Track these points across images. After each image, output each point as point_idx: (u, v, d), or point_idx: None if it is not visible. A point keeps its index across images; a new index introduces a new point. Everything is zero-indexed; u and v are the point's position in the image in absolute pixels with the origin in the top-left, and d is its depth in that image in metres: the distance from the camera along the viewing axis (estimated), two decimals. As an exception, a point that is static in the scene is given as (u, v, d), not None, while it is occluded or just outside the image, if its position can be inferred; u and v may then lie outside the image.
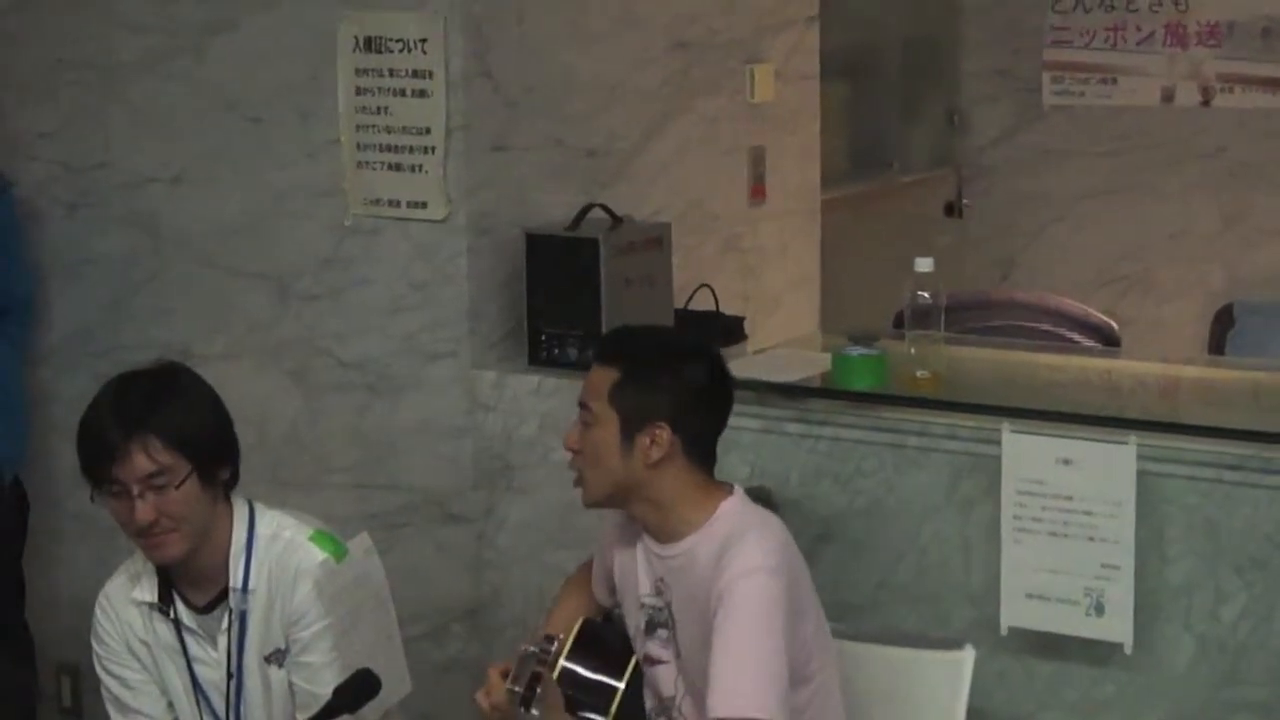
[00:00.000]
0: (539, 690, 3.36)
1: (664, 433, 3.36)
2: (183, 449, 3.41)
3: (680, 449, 3.38)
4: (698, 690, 3.40)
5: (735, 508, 3.41)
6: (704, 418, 3.44)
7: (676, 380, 3.40)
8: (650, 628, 3.49)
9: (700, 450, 3.43)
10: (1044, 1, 7.46)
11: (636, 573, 3.50)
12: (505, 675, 3.47)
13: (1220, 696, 3.67)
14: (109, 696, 3.67)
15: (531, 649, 3.42)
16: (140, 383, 3.51)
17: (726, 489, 3.45)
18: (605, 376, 3.41)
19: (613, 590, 3.63)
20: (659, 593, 3.46)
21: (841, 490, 4.00)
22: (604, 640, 3.61)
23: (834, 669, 3.47)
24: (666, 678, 3.49)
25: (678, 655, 3.46)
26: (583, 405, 3.44)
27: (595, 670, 3.55)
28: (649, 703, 3.55)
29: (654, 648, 3.49)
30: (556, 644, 3.50)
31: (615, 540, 3.58)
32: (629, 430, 3.37)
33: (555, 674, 3.52)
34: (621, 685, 3.54)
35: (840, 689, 3.48)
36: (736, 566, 3.29)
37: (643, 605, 3.50)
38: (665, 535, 3.43)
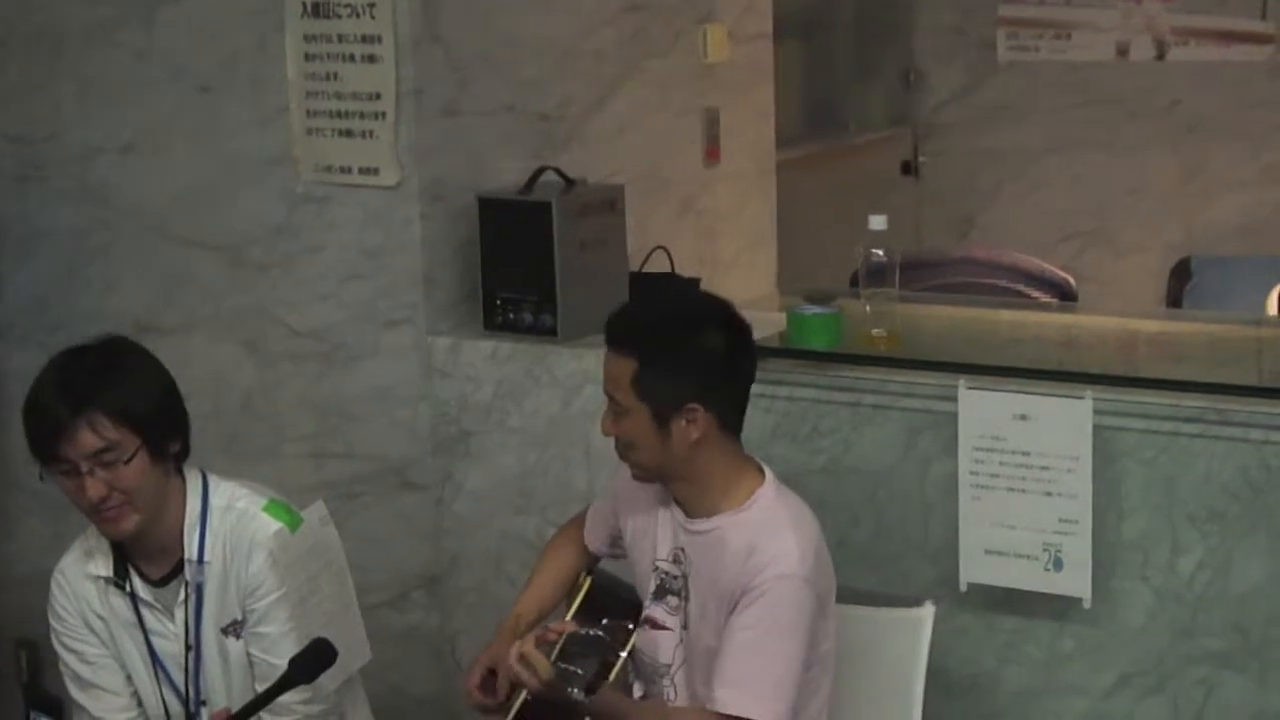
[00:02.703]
0: (610, 678, 3.22)
1: (698, 413, 3.30)
2: (130, 424, 3.39)
3: (715, 424, 3.33)
4: (697, 664, 3.39)
5: (770, 497, 3.37)
6: (733, 384, 3.39)
7: (698, 356, 3.32)
8: (660, 592, 3.46)
9: (734, 418, 3.39)
10: (996, -43, 7.46)
11: (655, 534, 3.47)
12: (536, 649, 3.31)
13: (1179, 648, 3.68)
14: (67, 671, 3.66)
15: (598, 633, 3.26)
16: (84, 359, 3.48)
17: (757, 472, 3.41)
18: (624, 367, 3.32)
19: (610, 541, 3.62)
20: (677, 561, 3.43)
21: (799, 449, 3.99)
22: (609, 606, 3.58)
23: (832, 653, 3.44)
24: (667, 645, 3.46)
25: (684, 626, 3.43)
26: (609, 395, 3.36)
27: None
28: (644, 666, 3.51)
29: (660, 612, 3.46)
30: (623, 633, 3.35)
31: (631, 494, 3.52)
32: (662, 418, 3.30)
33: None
34: (624, 655, 3.51)
35: (834, 669, 3.45)
36: (773, 567, 3.25)
37: (656, 568, 3.46)
38: (696, 510, 3.39)
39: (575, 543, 3.71)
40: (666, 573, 3.44)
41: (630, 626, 3.36)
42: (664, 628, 3.46)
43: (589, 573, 3.71)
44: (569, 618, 3.56)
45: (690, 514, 3.40)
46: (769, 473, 3.42)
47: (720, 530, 3.35)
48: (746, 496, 3.36)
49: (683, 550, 3.41)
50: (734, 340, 3.39)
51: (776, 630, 3.23)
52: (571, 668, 3.19)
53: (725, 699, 3.22)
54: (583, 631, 3.27)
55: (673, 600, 3.44)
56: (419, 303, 4.40)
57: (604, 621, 3.36)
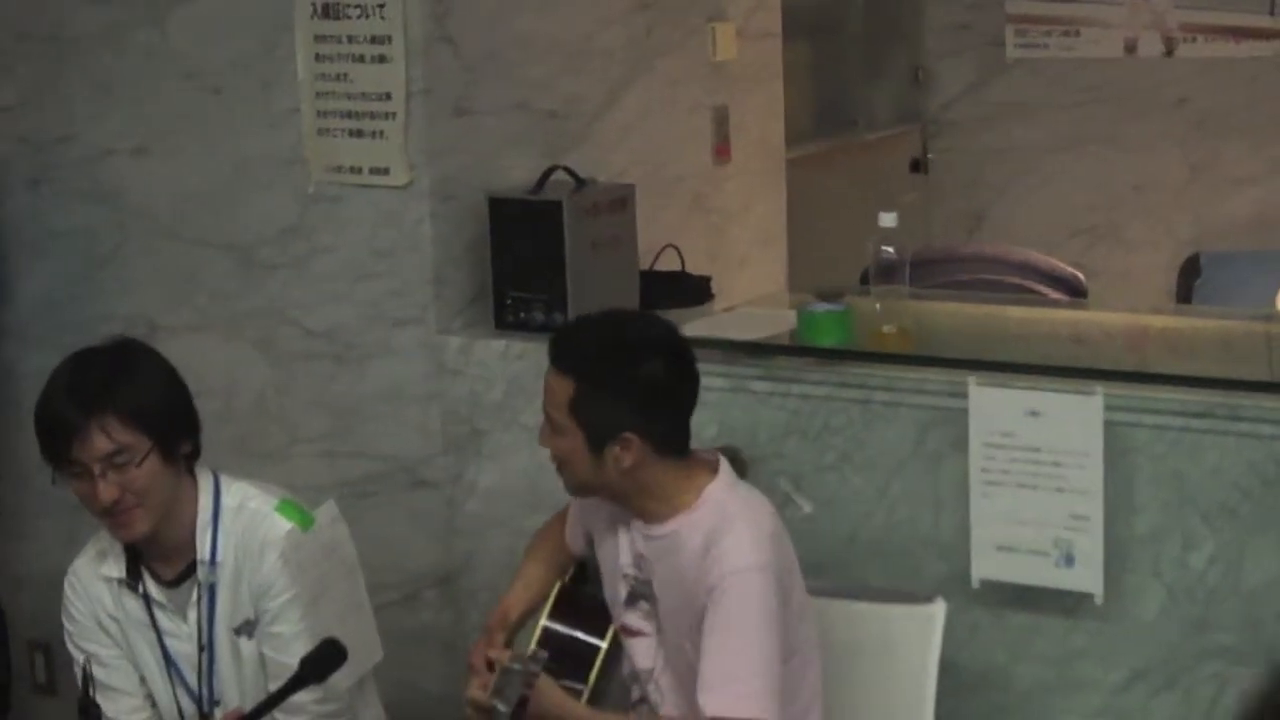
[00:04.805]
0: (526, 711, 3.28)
1: (632, 441, 3.29)
2: (142, 426, 3.39)
3: (651, 450, 3.32)
4: (677, 666, 3.40)
5: (720, 491, 3.36)
6: (670, 413, 3.37)
7: (636, 386, 3.31)
8: (631, 599, 3.46)
9: (672, 443, 3.37)
10: (1005, -46, 7.46)
11: (617, 542, 3.47)
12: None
13: (1190, 643, 3.68)
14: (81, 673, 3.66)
15: (516, 666, 3.32)
16: (95, 361, 3.49)
17: (709, 466, 3.40)
18: (563, 387, 3.32)
19: (588, 542, 3.62)
20: (639, 566, 3.43)
21: (810, 446, 3.99)
22: (582, 606, 3.60)
23: (813, 635, 3.45)
24: (645, 650, 3.46)
25: (658, 630, 3.43)
26: (546, 412, 3.37)
27: (577, 631, 3.55)
28: (630, 672, 3.52)
29: (634, 619, 3.47)
30: (542, 662, 3.41)
31: (594, 502, 3.52)
32: (596, 443, 3.30)
33: (536, 637, 3.52)
34: (604, 644, 3.53)
35: (819, 651, 3.47)
36: (728, 563, 3.25)
37: (624, 576, 3.46)
38: (653, 517, 3.39)
39: (558, 538, 3.72)
40: (635, 578, 3.45)
41: (543, 654, 3.42)
42: (640, 633, 3.46)
43: (574, 571, 3.71)
44: (543, 621, 3.59)
45: (648, 521, 3.40)
46: (724, 465, 3.41)
47: (677, 532, 3.35)
48: (696, 496, 3.35)
49: (643, 556, 3.42)
50: (675, 368, 3.37)
51: (745, 625, 3.24)
52: (499, 706, 3.28)
53: (709, 703, 3.22)
54: (507, 665, 3.34)
55: (644, 605, 3.44)
56: (430, 302, 4.41)
57: (527, 651, 3.42)
